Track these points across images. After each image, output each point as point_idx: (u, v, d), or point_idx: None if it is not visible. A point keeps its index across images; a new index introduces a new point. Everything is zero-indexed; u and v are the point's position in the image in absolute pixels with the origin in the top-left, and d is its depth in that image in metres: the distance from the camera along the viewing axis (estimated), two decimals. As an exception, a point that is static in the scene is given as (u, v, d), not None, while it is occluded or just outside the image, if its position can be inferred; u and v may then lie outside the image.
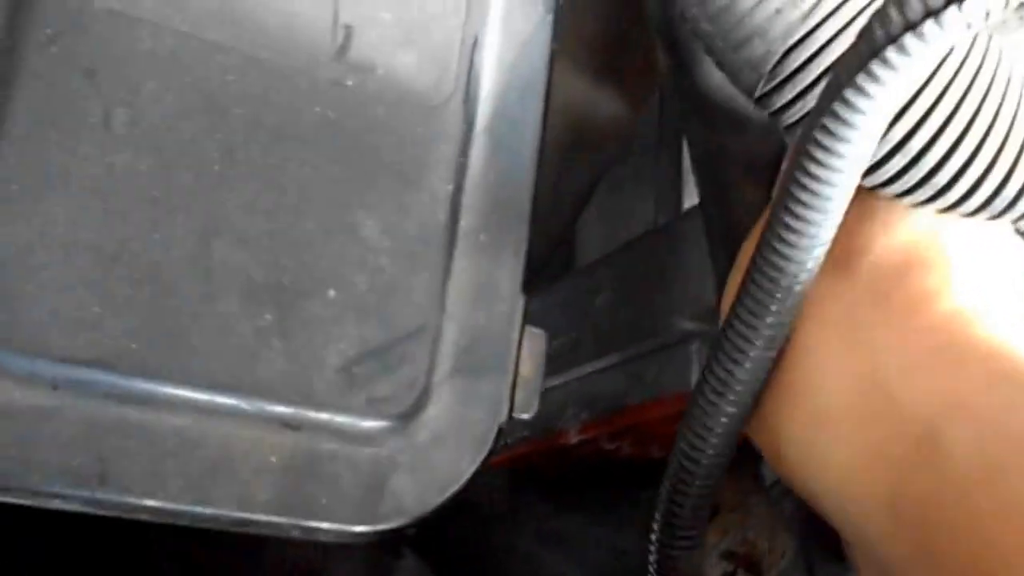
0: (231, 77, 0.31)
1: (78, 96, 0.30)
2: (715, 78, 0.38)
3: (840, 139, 0.25)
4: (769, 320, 0.29)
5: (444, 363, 0.33)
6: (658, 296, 0.54)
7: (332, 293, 0.32)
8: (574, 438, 0.60)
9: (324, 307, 0.32)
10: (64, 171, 0.29)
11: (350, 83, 0.33)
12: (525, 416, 0.35)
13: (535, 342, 0.36)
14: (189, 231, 0.30)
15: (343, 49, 0.33)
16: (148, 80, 0.30)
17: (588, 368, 0.59)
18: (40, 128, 0.29)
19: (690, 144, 0.45)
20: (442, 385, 0.33)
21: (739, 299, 0.30)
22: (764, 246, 0.29)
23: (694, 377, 0.53)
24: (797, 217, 0.27)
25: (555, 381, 0.60)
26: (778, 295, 0.29)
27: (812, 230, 0.27)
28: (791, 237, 0.28)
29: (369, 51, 0.34)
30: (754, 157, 0.40)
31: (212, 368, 0.30)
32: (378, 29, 0.34)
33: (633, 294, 0.57)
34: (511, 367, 0.35)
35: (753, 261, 0.29)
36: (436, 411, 0.33)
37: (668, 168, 0.58)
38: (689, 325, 0.52)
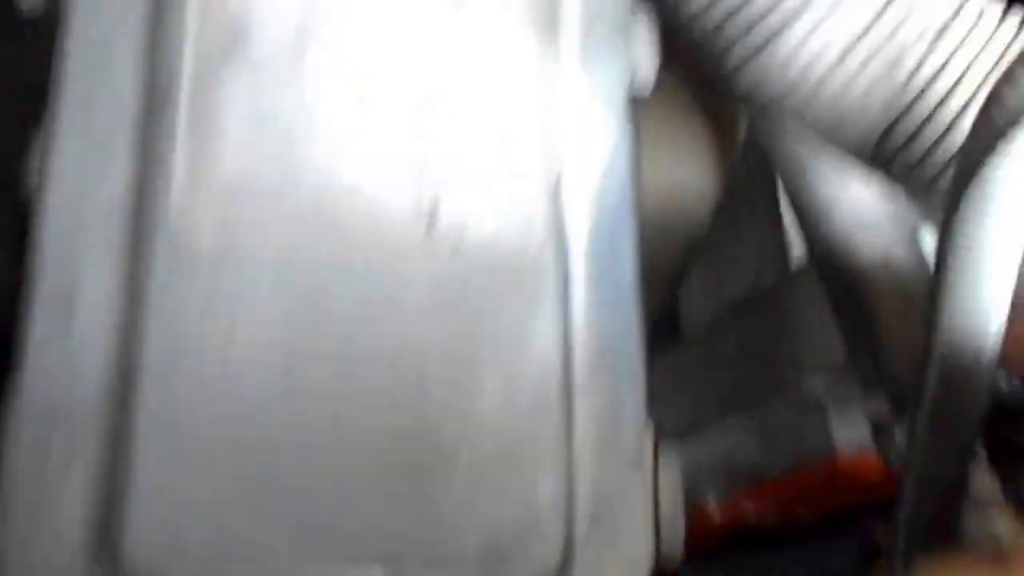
0: (334, 284, 0.33)
1: (198, 330, 0.32)
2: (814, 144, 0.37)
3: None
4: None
5: (581, 520, 0.32)
6: (780, 355, 0.52)
7: (461, 464, 0.32)
8: (715, 514, 0.57)
9: (456, 479, 0.32)
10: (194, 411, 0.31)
11: (444, 255, 0.33)
12: (673, 556, 0.33)
13: (670, 472, 0.34)
14: (319, 425, 0.31)
15: (432, 222, 0.33)
16: (258, 309, 0.32)
17: (717, 440, 0.56)
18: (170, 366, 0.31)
19: (794, 203, 0.44)
20: (584, 543, 0.32)
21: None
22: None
23: (836, 439, 0.51)
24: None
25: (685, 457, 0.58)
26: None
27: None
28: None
29: (457, 218, 0.34)
30: (865, 210, 0.40)
31: (359, 548, 0.31)
32: (462, 193, 0.34)
33: (753, 356, 0.55)
34: (650, 508, 0.33)
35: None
36: (581, 572, 0.31)
37: (765, 225, 0.56)
38: (818, 381, 0.49)
